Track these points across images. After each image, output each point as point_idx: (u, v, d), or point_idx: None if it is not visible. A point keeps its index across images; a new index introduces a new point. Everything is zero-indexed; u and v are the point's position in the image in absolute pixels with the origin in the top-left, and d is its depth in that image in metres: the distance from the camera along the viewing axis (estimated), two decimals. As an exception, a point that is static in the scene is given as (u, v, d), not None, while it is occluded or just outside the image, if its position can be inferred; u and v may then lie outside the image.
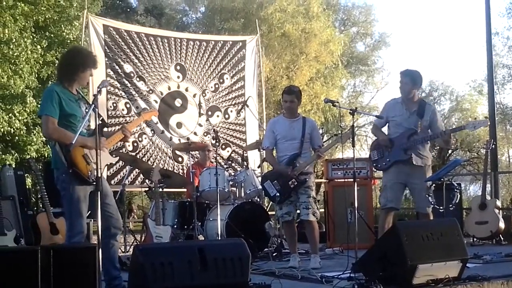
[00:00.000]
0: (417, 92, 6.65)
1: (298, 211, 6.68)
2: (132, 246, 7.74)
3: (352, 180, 5.84)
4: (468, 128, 6.81)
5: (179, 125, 10.62)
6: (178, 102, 10.69)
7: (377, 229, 8.79)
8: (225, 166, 9.96)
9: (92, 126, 5.15)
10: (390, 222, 6.48)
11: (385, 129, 6.74)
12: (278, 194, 6.56)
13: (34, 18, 14.03)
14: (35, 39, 13.85)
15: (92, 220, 7.09)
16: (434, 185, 8.46)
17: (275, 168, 6.74)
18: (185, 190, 9.44)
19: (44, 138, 13.74)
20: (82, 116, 4.89)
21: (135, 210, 21.13)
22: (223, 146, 10.93)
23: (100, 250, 4.22)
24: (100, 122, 4.90)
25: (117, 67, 10.08)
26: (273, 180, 6.64)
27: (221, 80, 11.15)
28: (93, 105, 4.67)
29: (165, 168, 9.82)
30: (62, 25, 14.65)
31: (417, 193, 6.51)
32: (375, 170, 6.37)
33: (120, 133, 5.23)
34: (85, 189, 4.83)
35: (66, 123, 4.82)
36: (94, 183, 4.60)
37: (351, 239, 6.19)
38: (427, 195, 6.41)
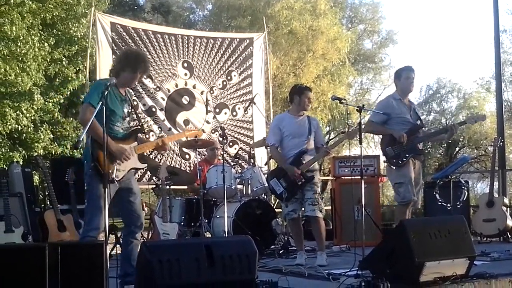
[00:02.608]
0: None
1: (303, 208, 6.68)
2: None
3: (359, 177, 5.82)
4: (469, 122, 7.34)
5: (186, 122, 10.61)
6: (185, 100, 10.68)
7: (385, 226, 8.81)
8: (232, 163, 10.00)
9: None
10: (410, 215, 6.59)
11: None
12: (284, 192, 6.57)
13: (42, 15, 14.07)
14: (42, 36, 13.88)
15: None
16: (441, 182, 8.50)
17: (283, 167, 6.70)
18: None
19: (51, 135, 13.83)
20: (123, 116, 5.04)
21: (145, 208, 21.15)
22: (230, 143, 10.93)
23: (118, 246, 4.25)
24: (139, 126, 5.21)
25: (124, 65, 10.07)
26: (280, 177, 6.63)
27: (229, 77, 11.14)
28: (132, 108, 4.83)
29: (172, 165, 9.82)
30: (70, 23, 14.68)
31: (418, 187, 6.58)
32: (393, 166, 6.39)
33: (155, 143, 5.34)
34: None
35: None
36: (113, 183, 4.77)
37: (358, 236, 6.18)
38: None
